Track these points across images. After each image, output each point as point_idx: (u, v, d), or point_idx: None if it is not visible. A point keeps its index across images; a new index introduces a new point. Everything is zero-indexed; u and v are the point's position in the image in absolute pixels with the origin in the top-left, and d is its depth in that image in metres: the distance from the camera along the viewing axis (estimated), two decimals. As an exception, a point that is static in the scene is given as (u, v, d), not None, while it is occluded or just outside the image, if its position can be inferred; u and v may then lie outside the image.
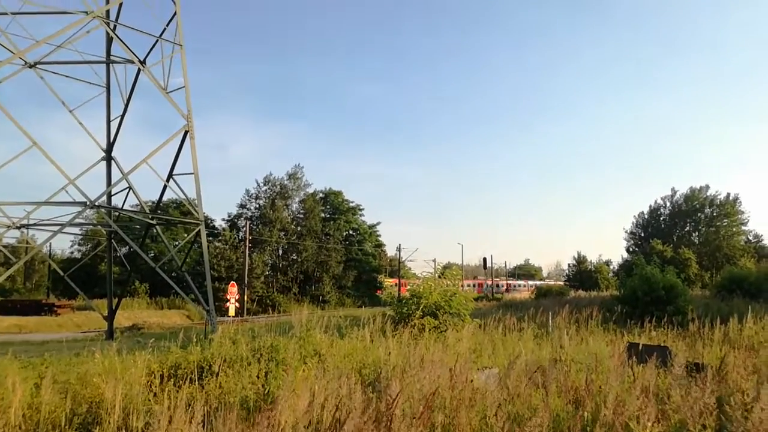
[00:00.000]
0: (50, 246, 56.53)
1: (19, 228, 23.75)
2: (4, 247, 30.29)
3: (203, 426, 4.32)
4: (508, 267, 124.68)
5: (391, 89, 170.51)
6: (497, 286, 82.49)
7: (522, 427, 3.98)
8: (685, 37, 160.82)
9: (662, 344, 11.99)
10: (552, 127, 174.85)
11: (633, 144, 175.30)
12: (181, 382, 7.37)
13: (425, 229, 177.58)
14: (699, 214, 67.42)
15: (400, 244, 76.65)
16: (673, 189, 70.44)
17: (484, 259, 79.73)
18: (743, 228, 66.27)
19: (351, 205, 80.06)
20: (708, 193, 67.40)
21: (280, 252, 68.76)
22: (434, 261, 73.62)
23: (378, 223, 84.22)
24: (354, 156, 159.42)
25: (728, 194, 66.21)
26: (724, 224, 65.65)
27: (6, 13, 21.93)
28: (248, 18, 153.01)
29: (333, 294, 68.37)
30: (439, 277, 18.63)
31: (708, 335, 14.16)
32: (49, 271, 61.20)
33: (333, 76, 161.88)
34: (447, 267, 25.49)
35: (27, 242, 44.79)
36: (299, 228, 69.55)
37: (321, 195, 76.78)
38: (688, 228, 68.32)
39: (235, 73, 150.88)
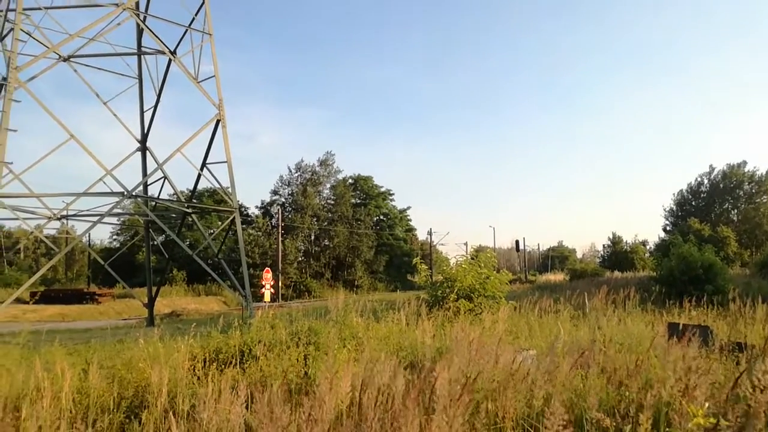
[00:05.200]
0: (89, 236, 57.92)
1: (59, 219, 24.35)
2: (46, 237, 31.14)
3: (246, 407, 4.42)
4: (541, 249, 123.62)
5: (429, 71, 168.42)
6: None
7: (566, 410, 3.95)
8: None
9: (702, 324, 11.78)
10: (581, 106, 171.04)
11: (672, 119, 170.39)
12: (223, 366, 7.53)
13: (456, 212, 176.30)
14: (738, 191, 65.65)
15: (431, 228, 76.26)
16: (710, 166, 68.61)
17: (517, 242, 79.19)
18: (784, 205, 64.37)
19: (381, 190, 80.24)
20: (746, 170, 65.63)
21: (312, 238, 69.36)
22: (466, 244, 73.42)
23: (408, 208, 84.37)
24: (384, 141, 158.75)
25: (768, 170, 64.40)
26: (764, 201, 63.89)
27: (39, 8, 22.38)
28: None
29: (365, 279, 68.88)
30: (472, 259, 18.50)
31: (749, 314, 13.82)
32: (89, 260, 62.87)
33: (357, 59, 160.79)
34: (479, 250, 25.28)
35: (67, 233, 46.12)
36: (330, 214, 70.04)
37: (351, 180, 77.06)
38: (726, 206, 66.57)
39: (259, 62, 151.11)
